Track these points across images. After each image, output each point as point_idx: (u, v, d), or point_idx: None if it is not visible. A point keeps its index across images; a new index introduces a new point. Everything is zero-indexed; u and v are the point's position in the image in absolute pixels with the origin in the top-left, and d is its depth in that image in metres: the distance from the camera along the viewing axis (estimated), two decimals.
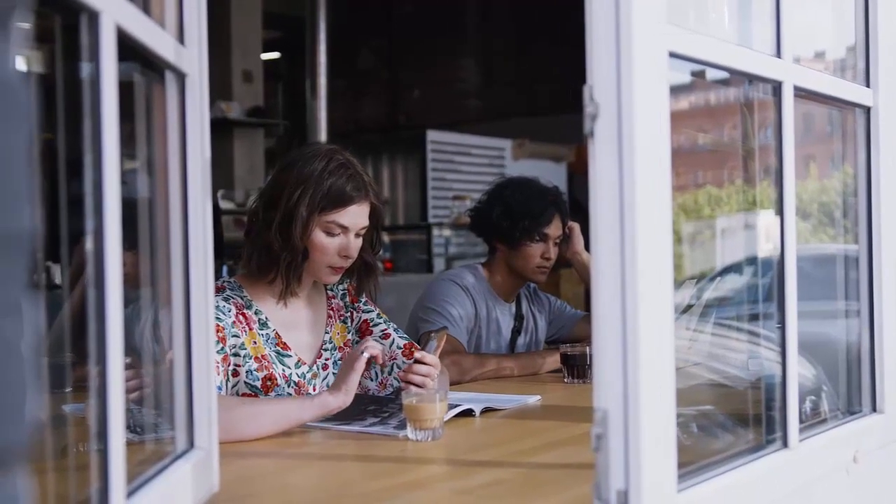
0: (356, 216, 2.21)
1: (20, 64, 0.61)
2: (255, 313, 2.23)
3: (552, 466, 1.70)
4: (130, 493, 1.10)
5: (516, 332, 3.14)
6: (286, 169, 2.22)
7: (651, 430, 1.17)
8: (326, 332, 2.35)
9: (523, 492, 1.52)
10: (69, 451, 1.30)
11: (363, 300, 2.43)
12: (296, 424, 1.96)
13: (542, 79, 9.44)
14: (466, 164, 8.17)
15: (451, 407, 2.04)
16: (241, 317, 2.18)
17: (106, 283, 1.01)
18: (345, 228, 2.20)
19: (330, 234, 2.19)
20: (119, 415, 1.03)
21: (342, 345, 2.37)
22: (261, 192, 2.28)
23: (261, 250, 2.21)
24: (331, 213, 2.18)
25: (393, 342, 2.36)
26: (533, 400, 2.36)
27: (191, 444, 1.38)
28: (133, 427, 1.36)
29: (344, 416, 2.04)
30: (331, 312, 2.38)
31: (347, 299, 2.42)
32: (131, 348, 1.14)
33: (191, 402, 1.38)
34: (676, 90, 1.29)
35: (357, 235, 2.23)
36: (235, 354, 2.14)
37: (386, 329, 2.40)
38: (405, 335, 2.41)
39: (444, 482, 1.63)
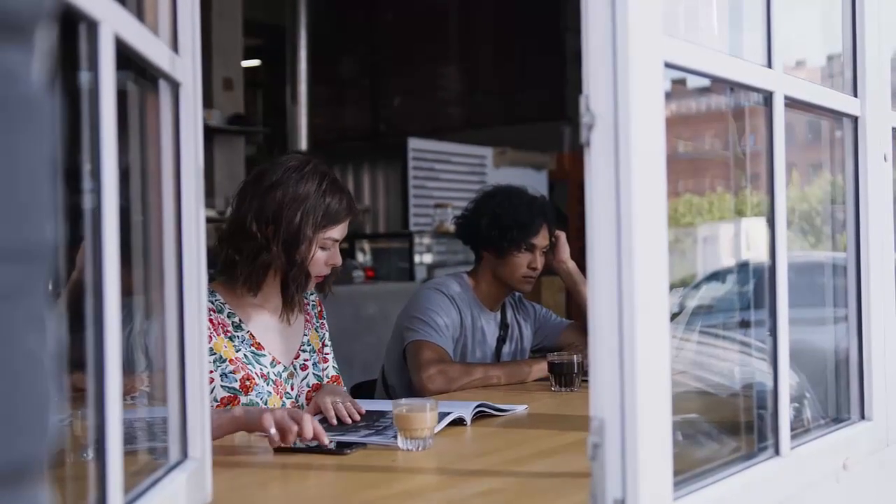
0: (345, 228, 2.34)
1: (43, 76, 0.61)
2: (228, 316, 2.28)
3: (545, 475, 1.70)
4: None
5: (501, 340, 3.14)
6: (275, 187, 2.25)
7: (648, 439, 1.17)
8: (305, 335, 2.43)
9: (518, 501, 1.52)
10: (65, 461, 1.29)
11: (324, 318, 2.55)
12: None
13: (523, 87, 9.47)
14: (448, 171, 8.17)
15: (442, 416, 2.04)
16: (208, 322, 2.20)
17: (104, 293, 1.00)
18: (336, 241, 2.32)
19: (324, 248, 2.30)
20: (117, 426, 1.02)
21: (317, 349, 2.46)
22: (252, 210, 2.25)
23: (260, 268, 2.25)
24: (329, 230, 2.29)
25: (327, 369, 2.48)
26: (521, 409, 2.36)
27: (184, 454, 1.37)
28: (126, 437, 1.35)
29: (338, 429, 2.03)
30: (307, 317, 2.47)
31: (316, 311, 2.52)
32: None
33: (184, 413, 1.37)
34: None
35: (340, 244, 2.36)
36: None
37: (328, 354, 2.52)
38: (337, 366, 2.53)
39: (437, 492, 1.63)
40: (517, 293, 3.19)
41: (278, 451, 1.88)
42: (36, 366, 0.59)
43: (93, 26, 1.00)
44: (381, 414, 2.19)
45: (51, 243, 0.60)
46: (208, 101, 7.36)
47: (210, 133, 7.36)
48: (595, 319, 1.18)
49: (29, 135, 0.58)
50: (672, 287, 2.16)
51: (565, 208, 7.59)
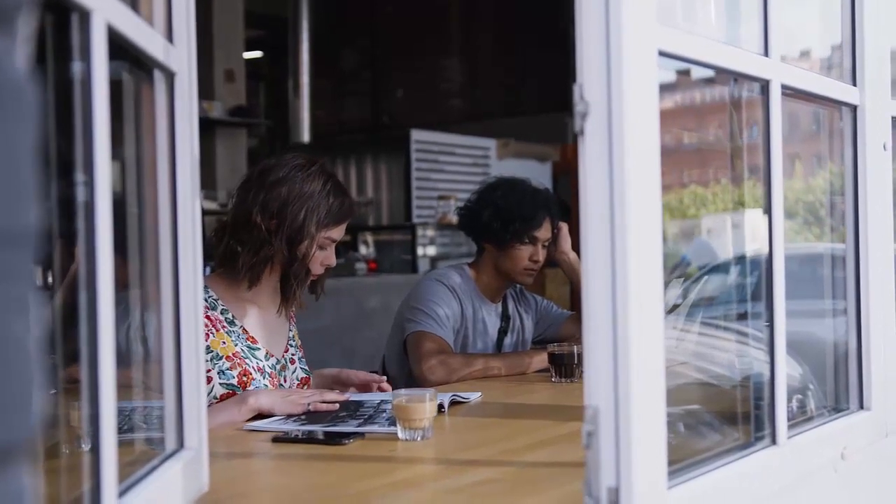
0: (343, 230, 2.38)
1: (25, 62, 0.61)
2: (221, 313, 2.30)
3: (542, 465, 1.70)
4: (122, 493, 1.09)
5: (503, 332, 3.14)
6: (280, 183, 2.27)
7: (642, 427, 1.17)
8: (290, 330, 2.47)
9: (514, 490, 1.52)
10: (60, 451, 1.29)
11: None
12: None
13: (526, 78, 9.47)
14: (451, 163, 8.16)
15: None
16: (205, 319, 2.22)
17: (97, 284, 1.00)
18: (333, 242, 2.35)
19: (321, 248, 2.32)
20: (111, 416, 1.02)
21: (298, 346, 2.50)
22: (257, 203, 2.27)
23: (262, 261, 2.27)
24: (330, 229, 2.32)
25: (295, 371, 2.46)
26: (475, 397, 2.37)
27: (181, 444, 1.37)
28: (122, 427, 1.35)
29: (328, 421, 2.03)
30: (291, 314, 2.50)
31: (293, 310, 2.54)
32: (118, 349, 1.14)
33: (180, 403, 1.38)
34: (662, 89, 1.29)
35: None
36: None
37: (301, 354, 2.51)
38: (307, 368, 2.51)
39: (434, 481, 1.63)
40: (519, 284, 3.19)
41: (276, 440, 1.88)
42: (20, 350, 0.59)
43: (85, 16, 1.00)
44: (358, 404, 2.20)
45: (35, 229, 0.61)
46: (210, 93, 7.37)
47: (212, 125, 7.36)
48: (589, 308, 1.18)
49: (11, 121, 0.58)
50: (677, 278, 2.16)
51: (569, 200, 7.59)
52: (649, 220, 1.20)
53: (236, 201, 2.33)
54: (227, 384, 2.22)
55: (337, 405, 2.16)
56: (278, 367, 2.37)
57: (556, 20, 8.98)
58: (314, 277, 2.37)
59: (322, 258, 2.33)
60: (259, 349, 2.33)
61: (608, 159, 1.17)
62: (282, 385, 2.35)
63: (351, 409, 2.15)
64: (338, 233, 2.34)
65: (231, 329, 2.29)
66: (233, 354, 2.25)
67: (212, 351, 2.22)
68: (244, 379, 2.24)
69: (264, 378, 2.29)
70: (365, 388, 2.43)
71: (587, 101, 1.18)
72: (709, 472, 1.36)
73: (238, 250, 2.27)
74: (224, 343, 2.26)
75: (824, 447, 1.69)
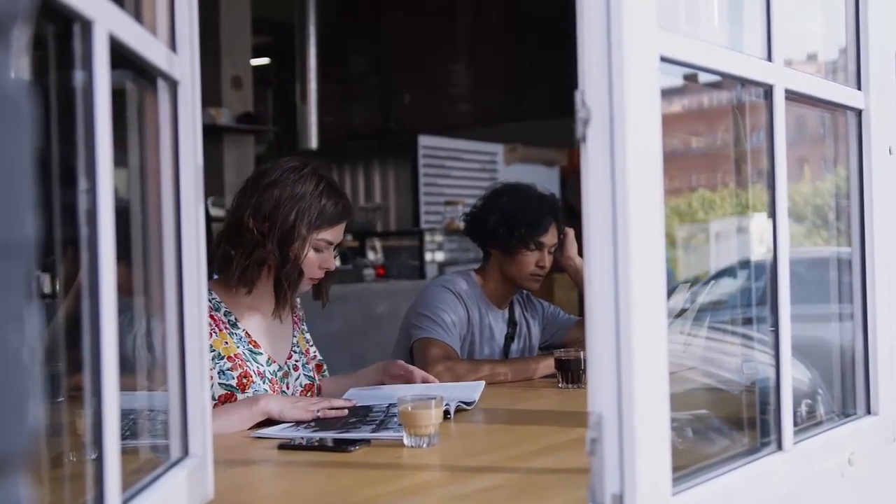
0: (341, 232, 2.37)
1: (21, 74, 0.61)
2: (225, 315, 2.31)
3: (547, 471, 1.70)
4: (126, 502, 1.10)
5: (510, 338, 3.14)
6: (273, 185, 2.29)
7: (645, 434, 1.17)
8: (294, 336, 2.47)
9: (519, 496, 1.52)
10: (64, 460, 1.29)
11: (304, 323, 2.57)
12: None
13: (533, 83, 9.45)
14: (458, 169, 8.16)
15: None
16: (209, 319, 2.24)
17: (100, 292, 1.01)
18: (330, 244, 2.34)
19: (317, 250, 2.32)
20: (114, 423, 1.02)
21: (304, 351, 2.50)
22: (249, 206, 2.29)
23: (255, 264, 2.28)
24: (323, 231, 2.31)
25: (298, 377, 2.45)
26: (479, 389, 2.40)
27: (185, 451, 1.37)
28: (126, 434, 1.35)
29: (339, 428, 2.03)
30: (296, 320, 2.50)
31: (302, 315, 2.55)
32: (124, 357, 1.14)
33: (185, 410, 1.38)
34: (668, 93, 1.29)
35: (335, 248, 2.38)
36: None
37: (313, 349, 2.54)
38: (312, 375, 2.51)
39: (440, 488, 1.63)
40: (525, 290, 3.19)
41: (282, 448, 1.88)
42: (15, 360, 0.59)
43: (87, 25, 1.01)
44: (366, 410, 2.20)
45: (31, 239, 0.61)
46: (217, 100, 7.37)
47: (219, 132, 7.36)
48: (592, 314, 1.18)
49: (7, 132, 0.58)
50: (684, 283, 2.15)
51: (577, 205, 7.56)
52: (651, 226, 1.20)
53: (233, 206, 2.35)
54: (227, 385, 2.23)
55: (346, 412, 2.15)
56: (280, 373, 2.37)
57: (563, 24, 8.97)
58: (315, 281, 2.36)
59: (320, 261, 2.32)
60: (261, 354, 2.33)
61: (610, 165, 1.17)
62: (284, 392, 2.35)
63: (360, 415, 2.14)
64: (332, 235, 2.33)
65: (233, 331, 2.30)
66: (234, 355, 2.26)
67: (213, 350, 2.22)
68: (244, 381, 2.25)
69: (264, 383, 2.29)
70: (408, 379, 2.46)
71: (589, 107, 1.18)
72: (714, 479, 1.36)
73: (232, 254, 2.28)
74: (226, 343, 2.27)
75: (831, 452, 1.68)
